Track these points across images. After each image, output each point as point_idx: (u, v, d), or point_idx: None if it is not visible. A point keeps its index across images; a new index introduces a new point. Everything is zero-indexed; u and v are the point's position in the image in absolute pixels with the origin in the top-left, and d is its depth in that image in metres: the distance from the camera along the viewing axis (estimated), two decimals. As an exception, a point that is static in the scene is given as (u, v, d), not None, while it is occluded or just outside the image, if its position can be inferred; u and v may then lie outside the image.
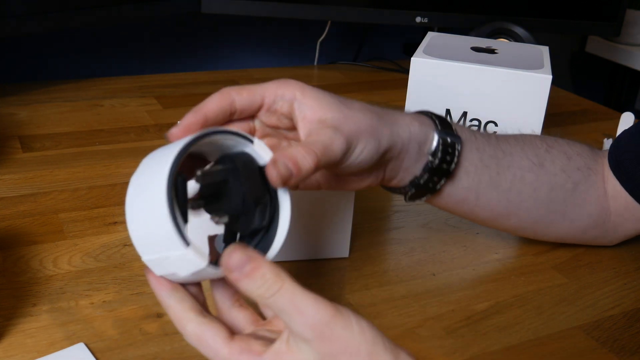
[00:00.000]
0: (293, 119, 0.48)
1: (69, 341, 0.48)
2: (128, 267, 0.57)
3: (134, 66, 1.23)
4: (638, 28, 1.56)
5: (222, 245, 0.43)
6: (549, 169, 0.58)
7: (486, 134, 0.58)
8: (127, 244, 0.61)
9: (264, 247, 0.42)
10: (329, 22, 1.29)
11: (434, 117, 0.53)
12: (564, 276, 0.61)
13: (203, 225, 0.43)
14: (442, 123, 0.53)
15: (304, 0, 1.09)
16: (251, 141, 0.43)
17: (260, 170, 0.42)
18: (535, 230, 0.62)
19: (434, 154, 0.52)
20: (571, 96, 1.21)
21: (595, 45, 1.64)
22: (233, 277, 0.36)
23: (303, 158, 0.42)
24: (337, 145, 0.45)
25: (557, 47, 1.60)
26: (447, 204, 0.57)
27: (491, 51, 0.80)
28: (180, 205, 0.39)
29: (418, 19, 1.13)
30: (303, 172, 0.42)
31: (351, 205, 0.59)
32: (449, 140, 0.52)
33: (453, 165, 0.53)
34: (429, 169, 0.52)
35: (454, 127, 0.54)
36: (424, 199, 0.55)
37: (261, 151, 0.43)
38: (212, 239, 0.45)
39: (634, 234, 0.64)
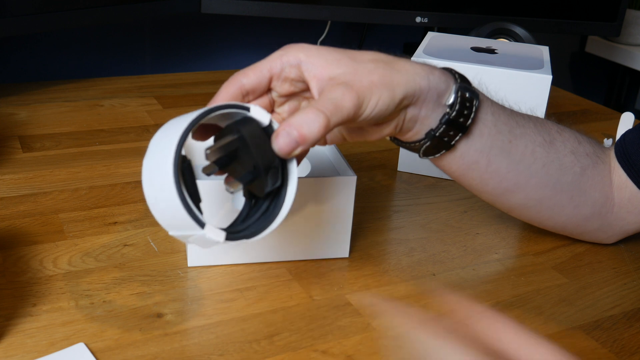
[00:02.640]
0: (305, 81, 0.48)
1: (69, 341, 0.48)
2: (128, 267, 0.57)
3: (134, 66, 1.23)
4: (638, 28, 1.56)
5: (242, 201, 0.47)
6: (559, 149, 0.58)
7: (502, 104, 0.57)
8: (127, 244, 0.61)
9: (277, 206, 0.45)
10: (329, 22, 1.29)
11: (453, 72, 0.53)
12: (564, 276, 0.61)
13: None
14: (462, 78, 0.53)
15: (304, 0, 1.09)
16: (247, 109, 0.44)
17: (267, 132, 0.45)
18: (539, 211, 0.61)
19: (451, 105, 0.51)
20: (571, 96, 1.21)
21: (595, 45, 1.64)
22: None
23: (311, 123, 0.43)
24: (348, 102, 0.45)
25: (557, 47, 1.60)
26: (459, 166, 0.56)
27: (491, 51, 0.80)
28: (189, 188, 0.42)
29: (418, 19, 1.13)
30: (310, 139, 0.43)
31: (351, 205, 0.59)
32: (467, 94, 0.51)
33: (469, 121, 0.52)
34: (446, 121, 0.51)
35: (472, 85, 0.54)
36: (437, 155, 0.54)
37: (259, 116, 0.45)
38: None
39: (634, 230, 0.64)
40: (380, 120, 0.49)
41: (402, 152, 0.80)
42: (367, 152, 0.86)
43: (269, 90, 0.50)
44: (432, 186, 0.77)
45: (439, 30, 1.17)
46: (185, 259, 0.59)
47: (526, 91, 0.73)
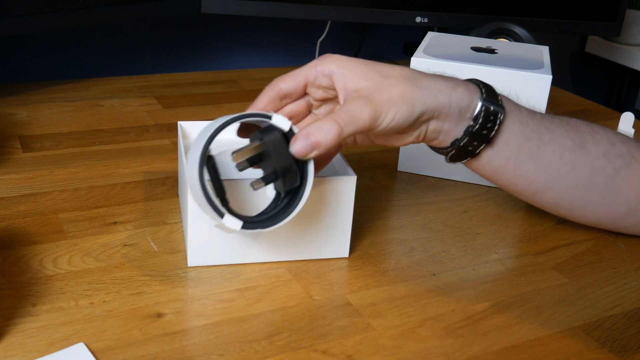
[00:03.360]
0: (335, 90, 0.53)
1: (69, 341, 0.48)
2: (128, 267, 0.57)
3: (134, 66, 1.23)
4: (638, 28, 1.56)
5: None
6: (591, 152, 0.59)
7: (532, 110, 0.60)
8: (127, 243, 0.61)
9: (293, 204, 0.52)
10: (329, 22, 1.29)
11: (481, 85, 0.56)
12: (564, 276, 0.61)
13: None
14: (488, 92, 0.55)
15: (304, 0, 1.09)
16: (269, 116, 0.51)
17: (287, 137, 0.51)
18: (571, 210, 0.62)
19: (475, 119, 0.54)
20: (571, 96, 1.21)
21: (595, 45, 1.64)
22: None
23: (326, 131, 0.48)
24: (365, 114, 0.49)
25: (557, 47, 1.60)
26: (486, 171, 0.59)
27: (491, 51, 0.80)
28: (214, 182, 0.50)
29: (418, 19, 1.13)
30: (324, 144, 0.49)
31: (351, 205, 0.59)
32: (492, 108, 0.54)
33: (493, 133, 0.55)
34: (469, 133, 0.54)
35: (499, 98, 0.56)
36: (464, 161, 0.57)
37: (280, 123, 0.51)
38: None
39: None
40: (400, 130, 0.53)
41: (402, 152, 0.80)
42: (367, 152, 0.86)
43: (305, 94, 0.56)
44: (432, 186, 0.77)
45: (439, 30, 1.17)
46: (185, 259, 0.59)
47: (526, 91, 0.73)
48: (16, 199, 0.68)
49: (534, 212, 0.72)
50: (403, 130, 0.53)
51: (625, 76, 1.69)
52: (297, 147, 0.49)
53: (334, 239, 0.60)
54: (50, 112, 0.92)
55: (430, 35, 0.86)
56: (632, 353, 0.51)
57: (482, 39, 0.87)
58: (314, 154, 0.49)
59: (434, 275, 0.60)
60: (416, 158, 0.79)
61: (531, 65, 0.75)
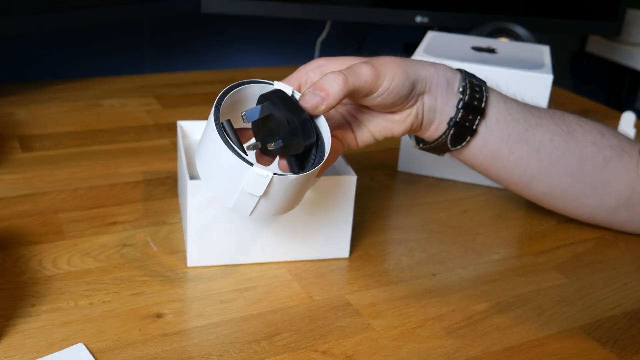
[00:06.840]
0: None
1: (68, 341, 0.48)
2: (127, 268, 0.57)
3: (134, 66, 1.23)
4: (638, 28, 1.56)
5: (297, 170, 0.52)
6: (579, 139, 0.60)
7: (514, 97, 0.61)
8: (127, 244, 0.61)
9: (319, 157, 0.50)
10: (329, 22, 1.29)
11: (459, 69, 0.59)
12: (565, 276, 0.61)
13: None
14: (467, 72, 0.58)
15: (304, 0, 1.09)
16: (271, 84, 0.51)
17: (292, 98, 0.51)
18: (565, 201, 0.63)
19: (462, 92, 0.56)
20: (572, 96, 1.21)
21: (596, 45, 1.64)
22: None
23: (332, 81, 0.49)
24: (366, 70, 0.51)
25: (557, 46, 1.60)
26: (485, 157, 0.59)
27: (491, 51, 0.80)
28: (234, 142, 0.48)
29: (418, 19, 1.13)
30: (332, 94, 0.49)
31: (351, 205, 0.59)
32: (475, 81, 0.57)
33: (483, 103, 0.57)
34: (463, 105, 0.56)
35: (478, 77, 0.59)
36: (464, 143, 0.58)
37: (283, 88, 0.51)
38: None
39: None
40: (399, 102, 0.54)
41: (402, 152, 0.80)
42: (367, 151, 0.85)
43: None
44: (432, 186, 0.77)
45: (440, 30, 1.17)
46: (185, 259, 0.59)
47: (527, 91, 0.73)
48: (15, 199, 0.68)
49: (534, 212, 0.72)
50: (402, 103, 0.54)
51: (626, 76, 1.69)
52: (307, 100, 0.49)
53: (334, 239, 0.60)
54: (50, 112, 0.92)
55: (430, 34, 0.86)
56: (632, 353, 0.51)
57: (483, 38, 0.87)
58: (324, 105, 0.49)
59: (434, 275, 0.60)
60: (416, 158, 0.79)
61: (532, 65, 0.75)
